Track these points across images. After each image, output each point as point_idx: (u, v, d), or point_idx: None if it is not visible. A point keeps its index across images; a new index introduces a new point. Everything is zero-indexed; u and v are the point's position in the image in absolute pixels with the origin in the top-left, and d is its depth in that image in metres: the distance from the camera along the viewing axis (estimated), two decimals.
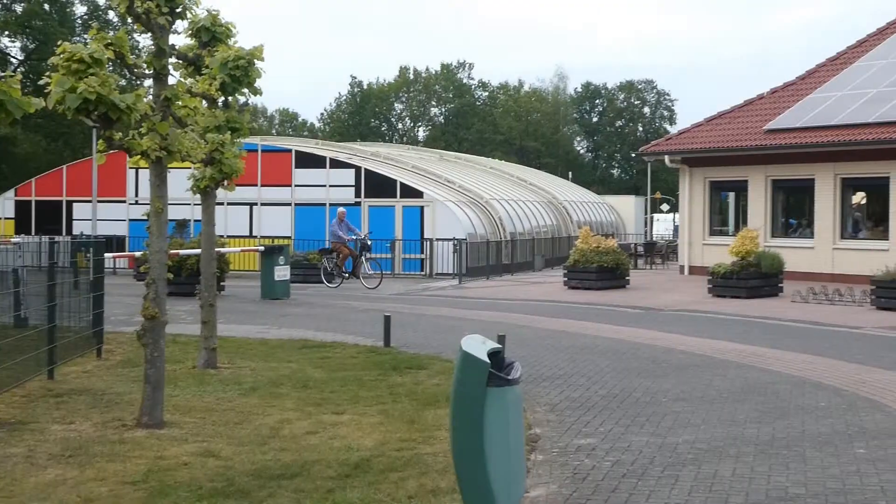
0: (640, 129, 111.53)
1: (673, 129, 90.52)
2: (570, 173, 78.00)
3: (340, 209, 32.42)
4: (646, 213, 64.62)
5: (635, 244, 43.78)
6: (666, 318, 21.81)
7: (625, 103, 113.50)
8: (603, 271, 28.59)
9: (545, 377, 13.45)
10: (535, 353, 15.69)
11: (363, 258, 30.99)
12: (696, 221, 33.76)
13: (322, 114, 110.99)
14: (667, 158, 34.23)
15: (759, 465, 8.83)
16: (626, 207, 59.06)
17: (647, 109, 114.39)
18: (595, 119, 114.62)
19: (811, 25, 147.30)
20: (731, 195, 34.64)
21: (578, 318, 21.56)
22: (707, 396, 12.05)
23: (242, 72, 13.28)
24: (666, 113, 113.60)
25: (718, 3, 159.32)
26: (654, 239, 53.21)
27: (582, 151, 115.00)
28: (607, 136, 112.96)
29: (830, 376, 13.55)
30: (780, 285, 26.24)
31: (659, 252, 42.24)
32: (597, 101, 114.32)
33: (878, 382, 13.04)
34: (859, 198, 31.48)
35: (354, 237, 31.26)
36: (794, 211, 33.08)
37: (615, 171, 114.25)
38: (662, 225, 65.42)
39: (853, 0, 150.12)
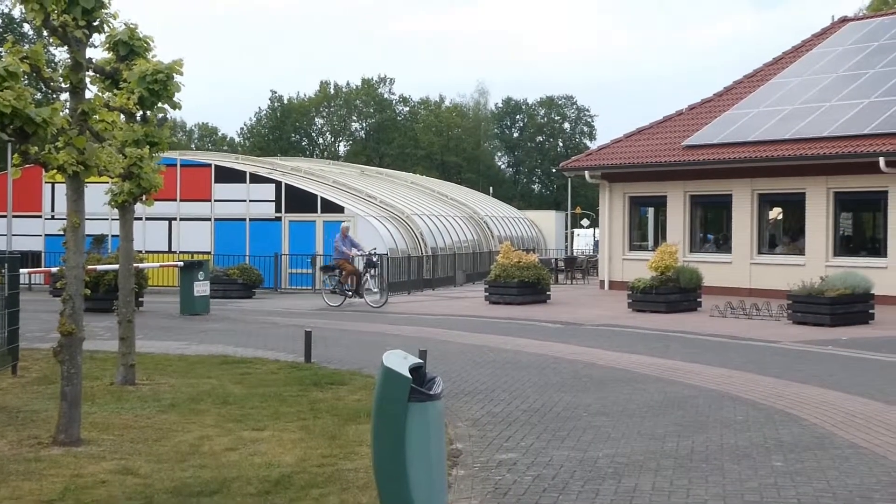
0: (561, 144, 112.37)
1: (593, 145, 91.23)
2: (491, 188, 78.33)
3: (344, 224, 31.23)
4: (566, 229, 65.04)
5: (556, 259, 44.01)
6: (586, 332, 21.94)
7: (545, 119, 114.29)
8: (524, 286, 28.73)
9: (467, 392, 13.45)
10: (457, 368, 15.69)
11: (367, 275, 29.49)
12: (615, 236, 34.07)
13: (242, 128, 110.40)
14: (587, 174, 34.52)
15: (679, 478, 8.90)
16: (547, 222, 59.42)
17: (567, 125, 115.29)
18: (516, 134, 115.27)
19: (729, 42, 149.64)
20: (651, 210, 35.02)
21: (500, 332, 21.60)
22: (627, 410, 12.13)
23: (161, 86, 13.15)
24: (586, 129, 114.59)
25: (638, 19, 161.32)
26: (575, 254, 53.54)
27: (503, 167, 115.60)
28: (528, 151, 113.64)
29: (748, 390, 13.71)
30: (698, 300, 26.55)
31: (579, 267, 42.50)
32: (517, 116, 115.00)
33: (794, 396, 13.22)
34: (776, 213, 31.97)
35: (360, 253, 29.85)
36: (712, 226, 33.52)
37: (536, 187, 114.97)
38: (583, 240, 65.91)
39: (770, 18, 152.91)
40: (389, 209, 40.14)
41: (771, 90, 33.42)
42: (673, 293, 25.90)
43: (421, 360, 7.22)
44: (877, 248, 28.49)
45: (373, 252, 30.32)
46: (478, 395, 13.27)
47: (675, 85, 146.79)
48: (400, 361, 6.99)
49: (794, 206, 30.28)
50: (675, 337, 20.87)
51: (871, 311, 23.02)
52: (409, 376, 6.84)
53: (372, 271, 29.57)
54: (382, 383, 6.90)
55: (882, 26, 34.96)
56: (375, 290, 29.19)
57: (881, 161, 26.54)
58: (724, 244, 32.05)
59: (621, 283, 31.46)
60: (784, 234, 31.59)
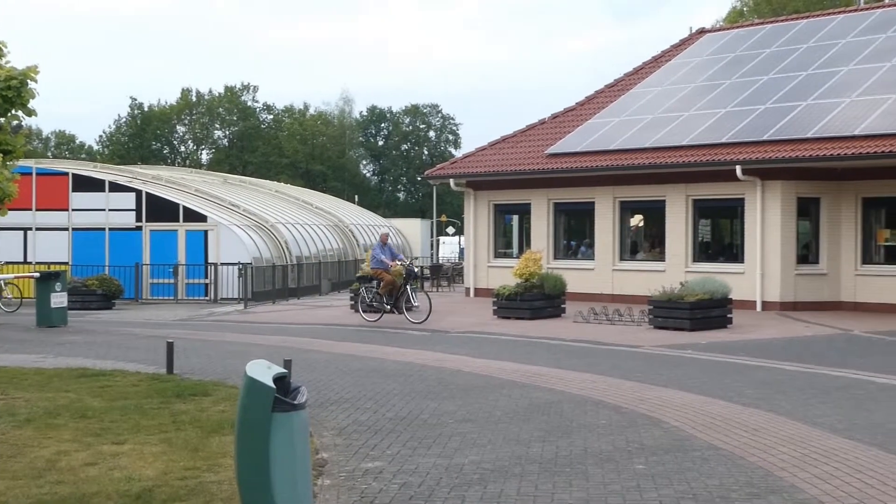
0: (426, 152, 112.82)
1: (458, 153, 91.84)
2: (356, 196, 78.23)
3: (384, 230, 28.35)
4: (432, 236, 65.29)
5: (422, 267, 44.10)
6: (452, 339, 21.99)
7: (410, 127, 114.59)
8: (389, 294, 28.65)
9: (333, 401, 13.34)
10: (323, 378, 15.56)
11: (407, 288, 26.32)
12: (480, 244, 34.27)
13: (101, 136, 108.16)
14: (452, 182, 34.67)
15: (544, 483, 8.95)
16: (412, 230, 59.58)
17: (432, 133, 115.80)
18: (381, 142, 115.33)
19: (590, 53, 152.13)
20: (515, 218, 35.31)
21: (366, 341, 21.53)
22: (493, 417, 12.17)
23: (15, 92, 12.81)
24: (451, 137, 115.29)
25: (503, 30, 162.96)
26: (440, 261, 53.74)
27: (368, 175, 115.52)
28: (393, 159, 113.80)
29: (611, 394, 13.89)
30: (562, 306, 26.84)
31: (445, 274, 42.68)
32: (383, 124, 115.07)
33: (656, 399, 13.43)
34: (637, 220, 32.53)
35: (400, 263, 26.99)
36: (575, 233, 33.95)
37: (401, 195, 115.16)
38: (448, 248, 66.23)
39: (630, 30, 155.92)
40: (253, 218, 39.74)
41: (632, 100, 34.04)
42: (537, 300, 26.14)
43: (285, 370, 7.13)
44: (734, 253, 29.20)
45: (414, 261, 27.93)
46: (343, 403, 13.18)
47: (538, 94, 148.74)
48: (264, 371, 6.89)
49: (655, 213, 30.85)
50: (539, 343, 21.05)
51: (729, 316, 23.57)
52: (273, 386, 6.74)
53: (412, 283, 26.73)
54: (246, 394, 6.79)
55: (738, 38, 35.91)
56: (417, 303, 26.44)
57: (738, 169, 27.21)
58: (587, 251, 32.49)
59: (487, 290, 31.67)
60: (645, 241, 32.17)
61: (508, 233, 35.68)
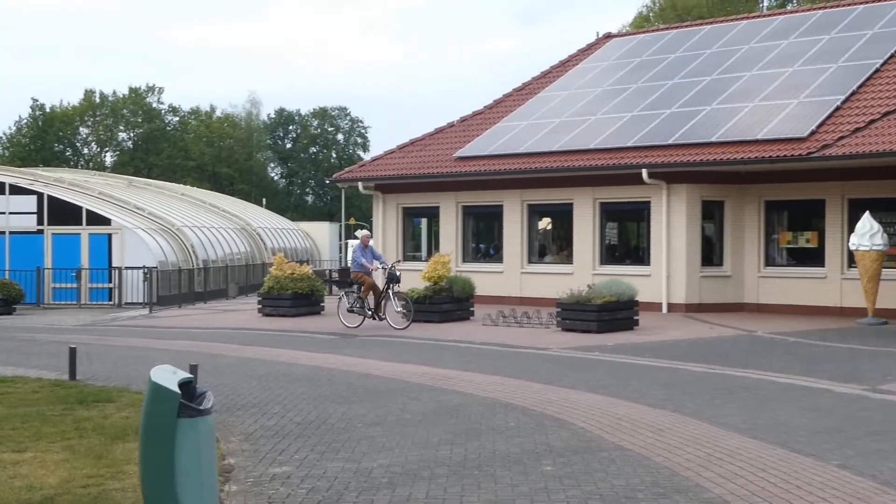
0: (335, 155, 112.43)
1: (367, 156, 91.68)
2: (264, 200, 77.64)
3: (364, 232, 27.21)
4: (341, 240, 65.06)
5: (330, 270, 43.95)
6: (361, 343, 21.93)
7: (319, 130, 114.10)
8: (298, 298, 28.56)
9: (240, 406, 13.21)
10: (230, 382, 15.41)
11: (390, 292, 25.20)
12: (389, 247, 34.21)
13: (0, 138, 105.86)
14: (360, 185, 34.57)
15: (452, 486, 8.94)
16: (321, 234, 59.37)
17: (341, 136, 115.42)
18: (289, 145, 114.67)
19: (499, 57, 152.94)
20: (424, 221, 35.33)
21: (274, 345, 21.37)
22: (401, 420, 12.14)
23: None
24: (360, 140, 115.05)
25: (412, 34, 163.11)
26: (349, 265, 53.54)
27: (276, 178, 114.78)
28: (301, 162, 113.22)
29: (520, 397, 13.94)
30: (471, 309, 26.90)
31: None
32: (291, 127, 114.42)
33: (564, 401, 13.51)
34: (545, 223, 32.73)
35: (381, 266, 25.91)
36: (484, 236, 34.05)
37: (310, 198, 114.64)
38: None
39: (536, 34, 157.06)
40: (158, 221, 39.24)
41: (539, 103, 34.25)
42: (446, 302, 26.17)
43: (191, 375, 7.04)
44: (641, 256, 29.52)
45: (396, 264, 26.78)
46: (251, 408, 13.05)
47: (447, 98, 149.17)
48: (168, 377, 6.79)
49: (563, 217, 31.06)
50: (448, 346, 21.07)
51: (635, 318, 23.81)
52: (178, 392, 6.64)
53: (395, 287, 25.44)
54: (150, 399, 6.68)
55: (644, 43, 36.34)
56: (399, 308, 24.98)
57: (644, 172, 27.51)
58: (495, 254, 32.61)
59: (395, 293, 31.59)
60: (553, 244, 32.38)
61: (417, 236, 35.69)
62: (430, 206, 33.63)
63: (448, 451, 10.36)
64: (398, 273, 25.46)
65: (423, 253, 34.41)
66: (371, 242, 26.52)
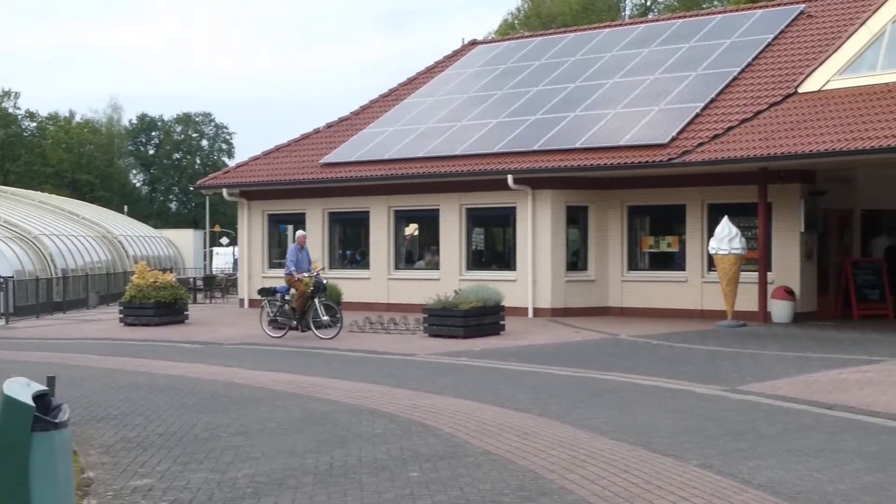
0: (199, 161, 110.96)
1: (232, 163, 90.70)
2: (126, 207, 76.27)
3: (301, 232, 25.79)
4: (205, 247, 64.24)
5: (194, 278, 43.33)
6: (226, 351, 21.65)
7: (182, 136, 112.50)
8: (161, 307, 28.06)
9: (100, 418, 12.89)
10: (90, 394, 15.04)
11: (316, 301, 23.91)
12: (255, 255, 33.88)
13: None
14: (225, 192, 34.17)
15: (318, 494, 8.85)
16: (185, 241, 58.54)
17: (205, 142, 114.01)
18: (151, 151, 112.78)
19: (364, 63, 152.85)
20: (290, 228, 35.04)
21: (136, 355, 20.95)
22: (267, 429, 11.99)
23: None
24: (224, 146, 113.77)
25: (276, 39, 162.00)
26: (214, 272, 52.93)
27: (138, 184, 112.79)
28: (164, 168, 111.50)
29: (386, 403, 13.89)
30: (339, 314, 26.72)
31: (219, 286, 42.05)
32: (153, 133, 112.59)
33: (430, 407, 13.50)
34: (412, 229, 32.76)
35: (307, 273, 24.31)
36: (351, 243, 33.94)
37: (173, 205, 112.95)
38: (222, 258, 65.32)
39: (402, 40, 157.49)
40: (14, 229, 38.21)
41: (406, 109, 34.28)
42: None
43: (47, 388, 6.82)
44: (507, 261, 29.74)
45: (321, 271, 25.24)
46: (111, 420, 12.75)
47: (313, 104, 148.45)
48: (22, 389, 6.56)
49: (430, 222, 31.14)
50: (314, 353, 20.94)
51: (502, 323, 23.96)
52: (33, 404, 6.43)
53: (322, 296, 24.07)
54: (2, 413, 6.45)
55: (509, 50, 36.65)
56: (326, 316, 23.71)
57: (509, 178, 27.73)
58: (362, 260, 32.53)
59: (261, 301, 31.26)
60: (420, 250, 32.43)
61: (283, 243, 35.40)
62: (296, 212, 33.37)
63: (314, 459, 10.26)
64: (324, 281, 24.52)
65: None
66: (307, 245, 25.33)
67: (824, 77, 26.25)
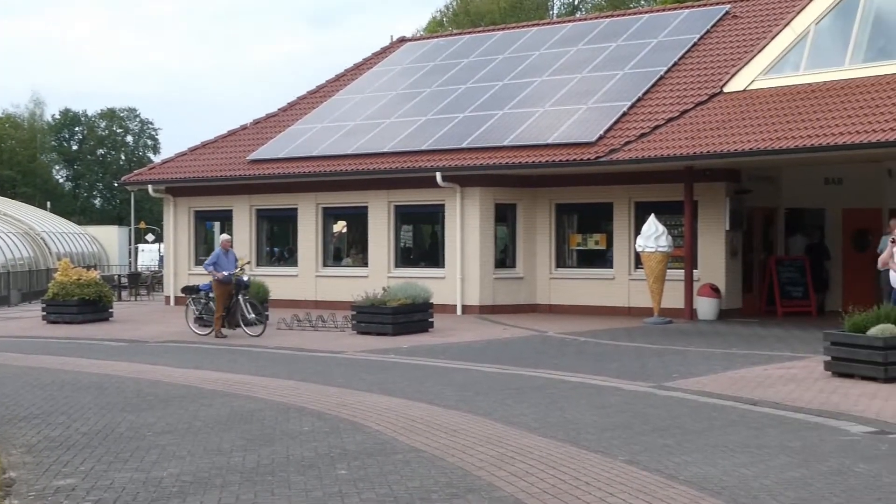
0: (123, 157, 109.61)
1: (157, 159, 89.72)
2: (48, 203, 75.15)
3: (225, 236, 25.46)
4: (130, 244, 63.51)
5: (119, 275, 42.83)
6: (152, 349, 21.41)
7: (107, 131, 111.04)
8: (85, 304, 27.66)
9: (22, 417, 12.66)
10: (11, 393, 14.77)
11: (240, 299, 23.75)
12: (181, 251, 33.56)
13: None
14: (150, 188, 33.80)
15: (245, 493, 8.76)
16: (110, 238, 57.82)
17: (130, 138, 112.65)
18: (75, 147, 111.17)
19: (291, 59, 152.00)
20: (217, 225, 34.77)
21: (59, 353, 20.64)
22: (193, 427, 11.86)
23: None
24: (150, 142, 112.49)
25: (200, 34, 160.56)
26: (140, 269, 52.36)
27: (62, 180, 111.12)
28: (88, 164, 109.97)
29: (314, 401, 13.82)
30: (266, 313, 26.54)
31: (144, 283, 41.60)
32: (77, 128, 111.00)
33: (358, 405, 13.45)
34: (340, 226, 32.64)
35: (229, 273, 23.78)
36: (279, 240, 33.72)
37: (98, 201, 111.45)
38: (148, 255, 64.57)
39: (329, 36, 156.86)
40: None
41: (334, 106, 34.14)
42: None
43: None
44: (435, 259, 29.73)
45: (244, 269, 24.66)
46: (34, 419, 12.53)
47: (240, 100, 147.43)
48: None
49: (358, 220, 31.05)
50: (242, 351, 20.78)
51: (430, 320, 23.95)
52: None
53: (245, 294, 24.03)
54: None
55: (437, 47, 36.64)
56: (251, 314, 23.74)
57: (438, 176, 27.73)
58: (290, 257, 32.35)
59: (184, 298, 30.94)
60: (349, 247, 32.32)
61: (210, 240, 35.10)
62: (222, 209, 33.12)
63: (241, 458, 10.16)
64: (247, 279, 24.31)
65: None
66: (231, 247, 25.06)
67: (749, 77, 26.57)
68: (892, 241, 17.57)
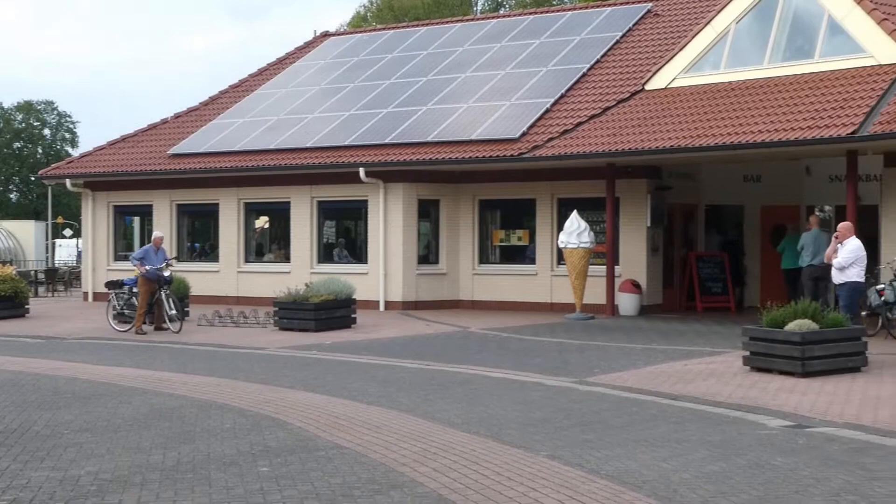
0: (41, 151, 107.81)
1: (76, 153, 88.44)
2: None
3: (158, 233, 24.94)
4: (47, 239, 62.52)
5: (36, 271, 42.13)
6: (69, 346, 21.09)
7: (23, 124, 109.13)
8: (0, 300, 27.18)
9: None
10: None
11: (162, 294, 23.52)
12: (100, 247, 33.11)
13: None
14: (68, 182, 33.28)
15: (165, 490, 8.65)
16: (26, 233, 56.85)
17: (47, 131, 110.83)
18: None
19: (213, 53, 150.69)
20: (137, 220, 34.36)
21: None
22: (112, 425, 11.69)
23: None
24: (68, 135, 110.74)
25: (120, 26, 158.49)
26: (57, 265, 51.55)
27: None
28: (4, 158, 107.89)
29: (236, 398, 13.69)
30: (186, 309, 26.25)
31: (62, 279, 40.98)
32: None
33: (280, 401, 13.36)
34: (262, 222, 32.43)
35: (154, 269, 23.49)
36: (200, 235, 33.40)
37: (14, 196, 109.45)
38: (66, 250, 63.70)
39: (252, 30, 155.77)
40: None
41: (256, 101, 33.88)
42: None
43: None
44: (358, 254, 29.65)
45: (170, 265, 24.31)
46: None
47: (161, 94, 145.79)
48: None
49: (281, 215, 30.86)
50: (162, 348, 20.55)
51: (353, 316, 23.87)
52: None
53: (167, 289, 23.66)
54: None
55: (361, 42, 36.52)
56: (173, 310, 23.34)
57: (361, 171, 27.65)
58: (211, 253, 32.06)
59: (107, 294, 30.55)
60: (271, 243, 32.12)
61: (129, 235, 34.67)
62: (142, 204, 32.75)
63: (161, 456, 10.04)
64: (168, 275, 23.89)
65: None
66: (163, 245, 24.86)
67: (670, 75, 26.83)
68: (835, 238, 17.80)
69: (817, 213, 26.26)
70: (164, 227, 31.62)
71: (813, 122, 21.64)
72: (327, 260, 29.72)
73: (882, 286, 20.16)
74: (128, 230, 34.62)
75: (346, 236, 31.41)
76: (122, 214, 33.77)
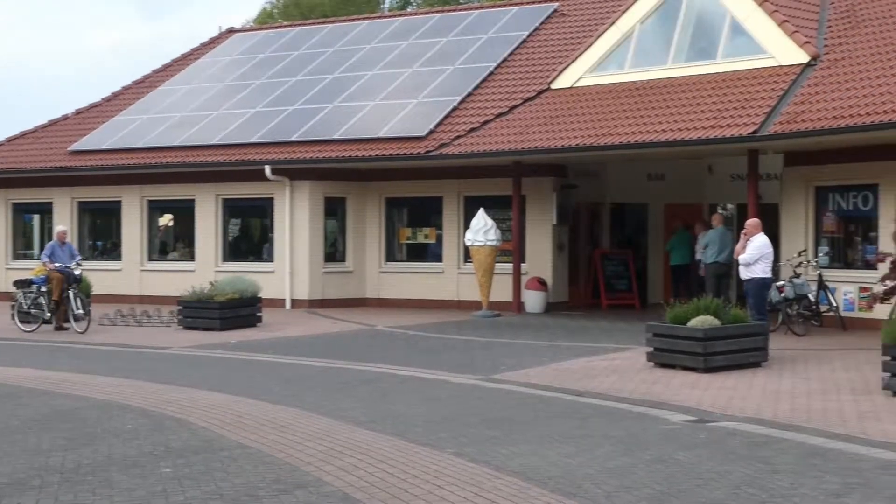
0: None
1: None
2: None
3: (61, 228, 24.45)
4: None
5: None
6: None
7: None
8: None
9: None
10: None
11: (70, 293, 22.83)
12: None
13: None
14: None
15: (64, 493, 8.49)
16: None
17: None
18: None
19: (116, 49, 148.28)
20: (36, 217, 33.70)
21: None
22: (9, 427, 11.45)
23: None
24: None
25: (26, 19, 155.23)
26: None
27: None
28: None
29: (138, 398, 13.50)
30: (87, 308, 25.80)
31: None
32: None
33: (184, 401, 13.20)
34: (167, 220, 32.01)
35: (63, 265, 23.11)
36: (102, 233, 32.86)
37: None
38: None
39: (156, 27, 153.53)
40: None
41: (160, 97, 33.44)
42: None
43: None
44: (264, 253, 29.42)
45: (80, 264, 23.67)
46: None
47: (62, 89, 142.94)
48: None
49: (185, 213, 30.48)
50: (62, 348, 20.20)
51: (259, 315, 23.67)
52: None
53: (75, 288, 22.98)
54: None
55: (268, 39, 36.22)
56: (79, 309, 22.66)
57: (267, 169, 27.43)
58: (113, 251, 31.56)
59: (5, 293, 29.90)
60: (175, 241, 31.72)
61: (29, 233, 34.00)
62: (42, 201, 32.14)
63: (61, 458, 9.85)
64: (79, 273, 23.32)
65: (36, 251, 32.73)
66: (68, 239, 24.45)
67: (576, 74, 27.03)
68: (744, 234, 18.02)
69: (720, 212, 26.70)
70: (64, 224, 30.90)
71: (715, 121, 21.97)
72: (233, 258, 29.42)
73: (782, 283, 20.55)
74: (27, 228, 33.94)
75: (246, 233, 31.14)
76: (21, 212, 33.11)
